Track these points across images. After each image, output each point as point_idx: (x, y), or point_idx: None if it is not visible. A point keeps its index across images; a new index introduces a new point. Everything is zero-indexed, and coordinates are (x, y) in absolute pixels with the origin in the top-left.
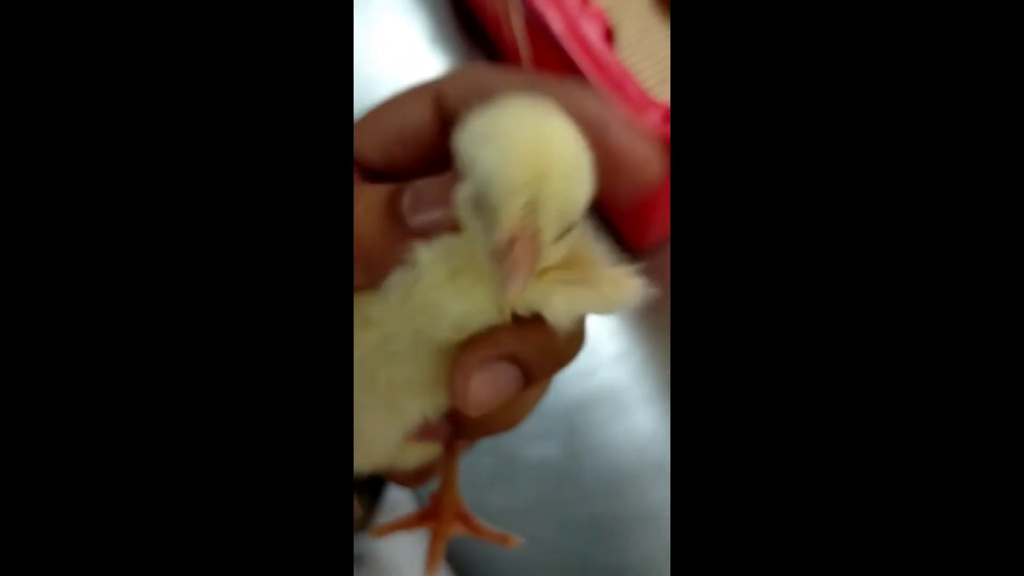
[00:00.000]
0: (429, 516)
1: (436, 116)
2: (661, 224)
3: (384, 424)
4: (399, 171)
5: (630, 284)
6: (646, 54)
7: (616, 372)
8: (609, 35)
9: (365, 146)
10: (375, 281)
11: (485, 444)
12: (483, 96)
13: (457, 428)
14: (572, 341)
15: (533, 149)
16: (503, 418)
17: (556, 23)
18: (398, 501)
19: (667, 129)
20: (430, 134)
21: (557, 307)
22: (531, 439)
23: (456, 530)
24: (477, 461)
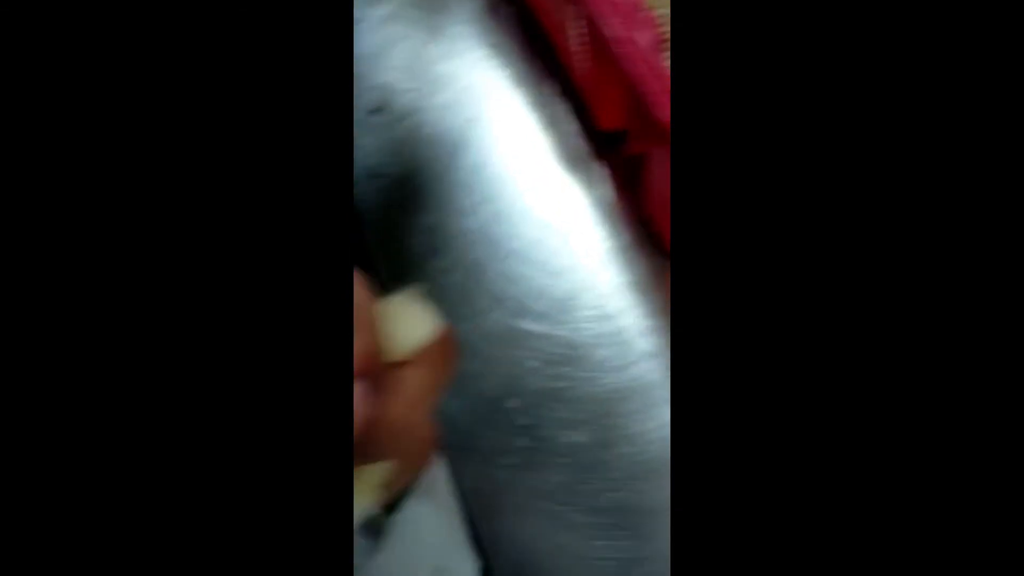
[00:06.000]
0: None
1: None
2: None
3: None
4: None
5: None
6: None
7: (647, 369)
8: (658, 44)
9: None
10: None
11: (519, 425)
12: None
13: None
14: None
15: None
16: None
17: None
18: None
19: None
20: None
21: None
22: (563, 425)
23: None
24: (509, 441)
